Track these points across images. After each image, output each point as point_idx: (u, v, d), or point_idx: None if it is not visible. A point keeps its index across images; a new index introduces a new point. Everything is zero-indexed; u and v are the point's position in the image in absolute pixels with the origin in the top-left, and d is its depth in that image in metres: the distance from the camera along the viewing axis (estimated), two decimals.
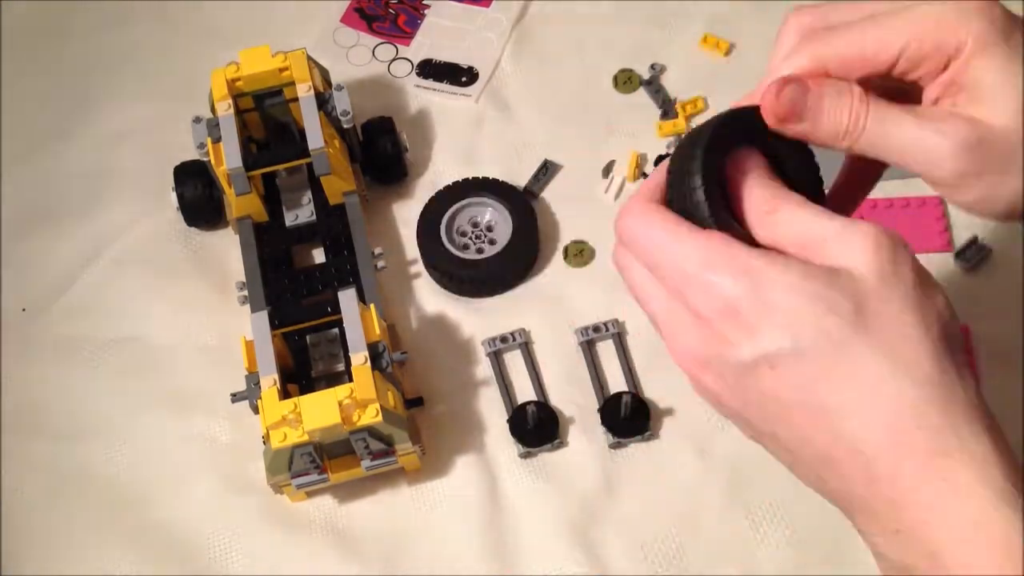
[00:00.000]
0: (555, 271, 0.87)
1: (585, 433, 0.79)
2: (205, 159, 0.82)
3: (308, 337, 0.80)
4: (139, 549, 0.77)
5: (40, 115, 0.96)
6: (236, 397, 0.74)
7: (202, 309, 0.86)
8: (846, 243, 0.46)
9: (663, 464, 0.78)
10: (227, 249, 0.88)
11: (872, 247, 0.46)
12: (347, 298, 0.74)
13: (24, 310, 0.87)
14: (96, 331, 0.86)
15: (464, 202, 0.87)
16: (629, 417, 0.78)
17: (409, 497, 0.78)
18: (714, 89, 0.93)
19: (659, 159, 0.90)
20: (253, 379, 0.72)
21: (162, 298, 0.87)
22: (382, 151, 0.88)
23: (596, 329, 0.83)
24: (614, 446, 0.78)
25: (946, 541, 0.44)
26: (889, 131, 0.49)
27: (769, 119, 0.50)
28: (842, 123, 0.49)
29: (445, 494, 0.78)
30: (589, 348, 0.82)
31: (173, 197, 0.86)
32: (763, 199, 0.49)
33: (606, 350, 0.83)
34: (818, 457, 0.47)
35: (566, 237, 0.88)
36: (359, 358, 0.71)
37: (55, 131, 0.95)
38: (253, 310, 0.77)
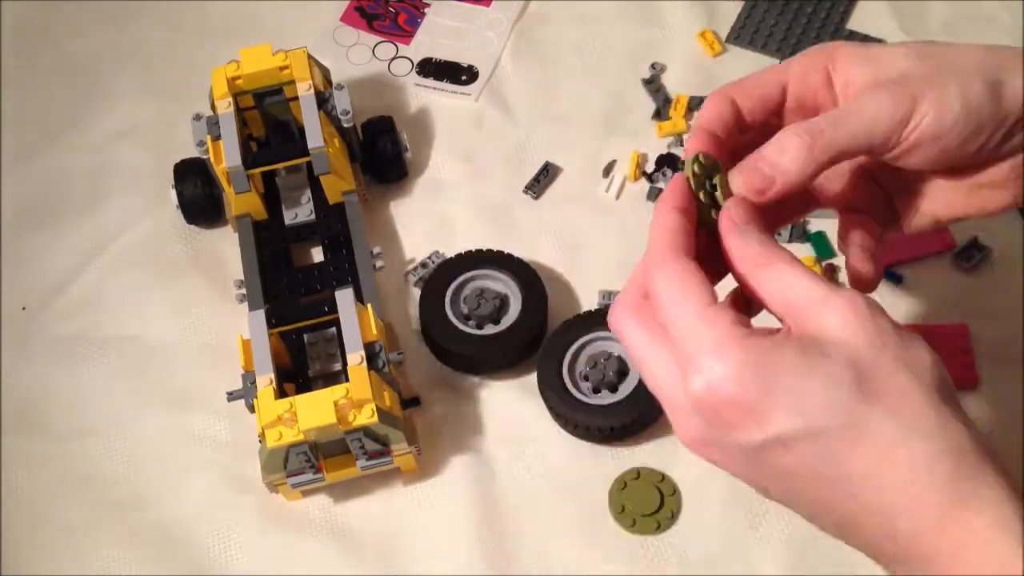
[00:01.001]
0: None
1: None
2: (205, 157, 0.82)
3: (305, 336, 0.80)
4: (138, 548, 0.77)
5: (40, 114, 0.96)
6: (232, 396, 0.74)
7: (201, 307, 0.86)
8: (832, 311, 0.48)
9: (663, 464, 0.77)
10: (226, 247, 0.88)
11: (855, 315, 0.48)
12: (344, 298, 0.73)
13: (24, 308, 0.87)
14: (95, 329, 0.86)
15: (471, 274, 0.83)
16: None
17: (407, 496, 0.78)
18: (715, 87, 0.92)
19: (660, 158, 0.90)
20: (249, 378, 0.72)
21: (161, 296, 0.87)
22: (382, 151, 0.87)
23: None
24: None
25: None
26: (839, 115, 0.54)
27: (753, 197, 0.54)
28: (789, 170, 0.54)
29: (442, 494, 0.78)
30: None
31: (173, 195, 0.86)
32: (758, 252, 0.51)
33: None
34: (840, 521, 0.49)
35: (567, 236, 0.87)
36: (355, 358, 0.70)
37: (55, 130, 0.95)
38: (251, 309, 0.77)
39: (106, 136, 0.95)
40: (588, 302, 0.84)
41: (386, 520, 0.77)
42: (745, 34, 0.95)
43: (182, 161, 0.87)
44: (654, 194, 0.88)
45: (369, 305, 0.75)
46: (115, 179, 0.93)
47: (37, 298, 0.87)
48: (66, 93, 0.97)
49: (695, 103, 0.91)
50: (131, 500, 0.79)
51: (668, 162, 0.89)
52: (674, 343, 0.50)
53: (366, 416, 0.68)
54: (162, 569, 0.76)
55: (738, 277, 0.52)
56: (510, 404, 0.81)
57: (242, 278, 0.82)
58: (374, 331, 0.73)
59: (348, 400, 0.68)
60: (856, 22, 0.95)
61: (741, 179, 0.54)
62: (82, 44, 1.00)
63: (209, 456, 0.80)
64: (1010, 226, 0.84)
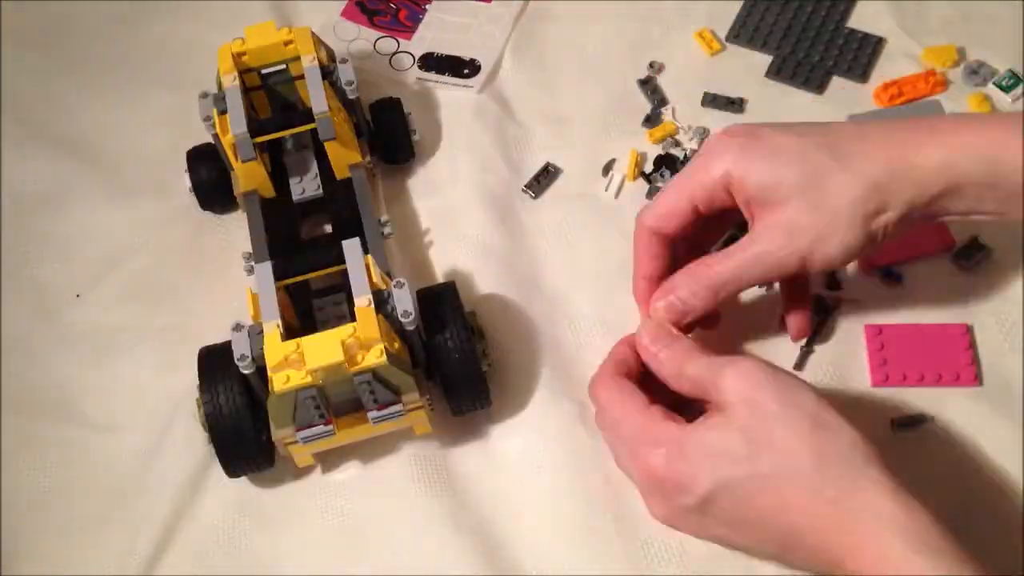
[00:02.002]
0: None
1: (585, 427, 0.78)
2: (212, 132, 0.81)
3: (314, 302, 0.79)
4: (141, 548, 0.76)
5: (41, 105, 0.97)
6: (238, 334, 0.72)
7: (216, 300, 0.85)
8: (722, 383, 0.63)
9: None
10: (241, 242, 0.86)
11: (736, 386, 0.63)
12: (351, 248, 0.73)
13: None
14: (105, 323, 0.86)
15: None
16: None
17: (407, 496, 0.77)
18: (712, 87, 0.93)
19: (658, 159, 0.90)
20: (256, 328, 0.70)
21: (173, 289, 0.87)
22: (390, 129, 0.88)
23: None
24: None
25: None
26: (741, 263, 0.69)
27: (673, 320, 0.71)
28: (696, 306, 0.71)
29: (443, 493, 0.77)
30: None
31: (186, 179, 0.86)
32: (671, 361, 0.68)
33: None
34: (775, 551, 0.63)
35: (566, 234, 0.87)
36: (363, 300, 0.69)
37: (59, 125, 0.96)
38: (257, 262, 0.76)
39: (116, 127, 0.96)
40: (586, 300, 0.84)
41: (386, 519, 0.76)
42: (745, 33, 0.96)
43: (195, 147, 0.88)
44: (653, 194, 0.88)
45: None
46: (126, 171, 0.93)
47: (48, 296, 0.87)
48: (71, 90, 0.98)
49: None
50: (133, 498, 0.78)
51: (666, 162, 0.90)
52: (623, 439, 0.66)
53: (375, 356, 0.67)
54: (165, 568, 0.76)
55: (668, 381, 0.68)
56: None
57: (249, 251, 0.81)
58: (382, 284, 0.72)
59: (356, 339, 0.67)
60: (856, 21, 0.96)
61: (662, 307, 0.71)
62: (86, 41, 1.01)
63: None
64: (1010, 226, 0.84)
